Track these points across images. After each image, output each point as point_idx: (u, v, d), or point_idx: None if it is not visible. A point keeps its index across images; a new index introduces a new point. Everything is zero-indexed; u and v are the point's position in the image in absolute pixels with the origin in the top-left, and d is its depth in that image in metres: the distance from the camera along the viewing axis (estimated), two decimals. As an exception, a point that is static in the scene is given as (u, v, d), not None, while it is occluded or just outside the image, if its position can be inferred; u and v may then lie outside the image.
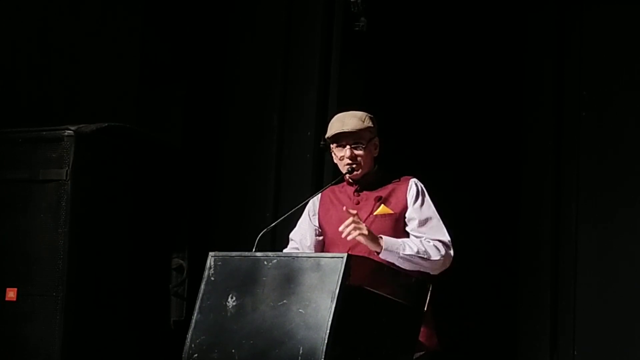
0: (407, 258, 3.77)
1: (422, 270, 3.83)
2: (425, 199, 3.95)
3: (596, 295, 5.54)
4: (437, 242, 3.85)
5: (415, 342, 3.65)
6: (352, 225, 3.72)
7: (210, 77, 5.82)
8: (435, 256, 3.81)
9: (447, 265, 3.87)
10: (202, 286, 3.54)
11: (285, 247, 4.14)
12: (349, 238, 3.73)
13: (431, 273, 3.85)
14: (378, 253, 3.75)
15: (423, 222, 3.90)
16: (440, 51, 5.98)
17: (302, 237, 4.09)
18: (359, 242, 3.88)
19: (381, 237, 3.76)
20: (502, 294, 5.81)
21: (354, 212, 3.75)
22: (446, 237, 3.87)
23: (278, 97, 5.66)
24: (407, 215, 3.92)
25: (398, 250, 3.76)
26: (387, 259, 3.77)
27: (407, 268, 3.79)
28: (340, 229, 3.74)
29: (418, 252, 3.78)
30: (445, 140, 5.95)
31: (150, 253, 5.10)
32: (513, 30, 5.99)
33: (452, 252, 3.86)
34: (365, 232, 3.72)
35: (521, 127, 5.92)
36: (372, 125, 3.98)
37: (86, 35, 5.52)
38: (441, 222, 3.91)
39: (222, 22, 5.86)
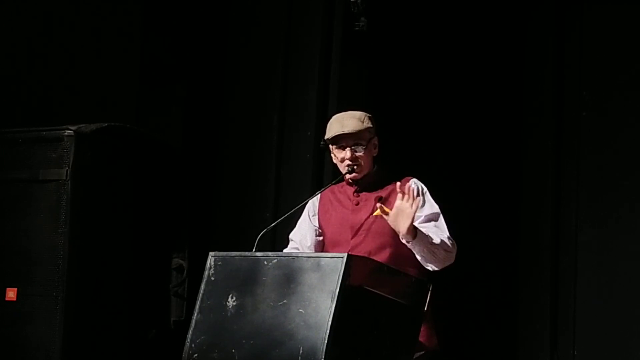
0: (433, 250, 3.74)
1: (434, 262, 3.79)
2: (427, 197, 3.95)
3: (596, 295, 5.53)
4: (449, 237, 3.84)
5: (415, 342, 3.65)
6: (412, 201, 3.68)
7: (210, 77, 5.82)
8: (451, 248, 3.80)
9: (453, 259, 3.86)
10: (202, 286, 3.54)
11: (286, 247, 4.14)
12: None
13: (437, 268, 3.82)
14: (408, 242, 3.71)
15: (428, 219, 3.89)
16: (440, 51, 5.98)
17: (302, 237, 4.08)
18: (359, 243, 3.89)
19: (415, 227, 3.71)
20: (502, 294, 5.81)
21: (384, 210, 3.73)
22: (447, 233, 3.86)
23: (278, 97, 5.66)
24: None
25: (426, 241, 3.72)
26: (414, 249, 3.74)
27: (423, 259, 3.76)
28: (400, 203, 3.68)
29: (442, 242, 3.77)
30: (445, 141, 5.95)
31: (150, 253, 5.10)
32: (513, 30, 5.99)
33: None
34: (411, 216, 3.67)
35: (521, 127, 5.91)
36: (371, 125, 3.97)
37: (86, 35, 5.52)
38: (443, 219, 3.91)
39: (222, 22, 5.85)
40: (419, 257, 3.79)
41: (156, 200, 5.16)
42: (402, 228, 3.69)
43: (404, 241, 3.74)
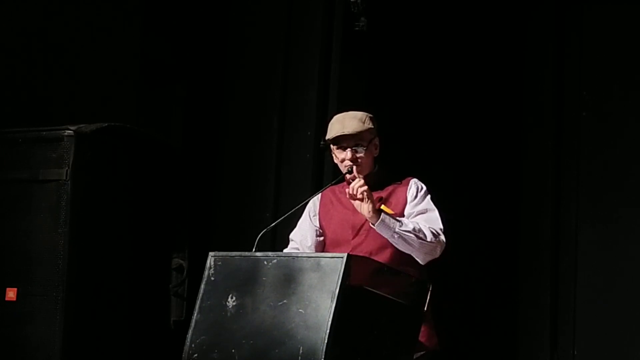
0: (403, 234, 3.75)
1: (413, 253, 3.80)
2: (425, 196, 3.94)
3: (596, 295, 5.54)
4: (431, 227, 3.84)
5: (415, 342, 3.65)
6: (359, 188, 3.73)
7: (211, 77, 5.82)
8: (429, 237, 3.79)
9: (438, 253, 3.85)
10: (202, 286, 3.54)
11: (286, 247, 4.14)
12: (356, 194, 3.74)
13: (420, 259, 3.83)
14: (373, 224, 3.74)
15: (418, 213, 3.90)
16: (441, 51, 5.98)
17: (302, 237, 4.08)
18: (360, 243, 3.89)
19: (381, 210, 3.75)
20: (502, 294, 5.81)
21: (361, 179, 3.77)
22: (440, 226, 3.87)
23: (278, 97, 5.66)
24: (405, 210, 3.91)
25: (394, 226, 3.75)
26: (382, 233, 3.76)
27: (400, 247, 3.78)
28: (349, 190, 3.76)
29: (414, 229, 3.77)
30: (445, 141, 5.95)
31: (150, 253, 5.09)
32: (513, 30, 6.00)
33: (444, 238, 3.85)
34: (368, 196, 3.72)
35: (521, 127, 5.92)
36: (372, 126, 3.97)
37: (86, 35, 5.52)
38: (437, 214, 3.91)
39: (222, 22, 5.86)
40: (396, 246, 3.79)
41: (156, 200, 5.15)
42: (364, 212, 3.74)
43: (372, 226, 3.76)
